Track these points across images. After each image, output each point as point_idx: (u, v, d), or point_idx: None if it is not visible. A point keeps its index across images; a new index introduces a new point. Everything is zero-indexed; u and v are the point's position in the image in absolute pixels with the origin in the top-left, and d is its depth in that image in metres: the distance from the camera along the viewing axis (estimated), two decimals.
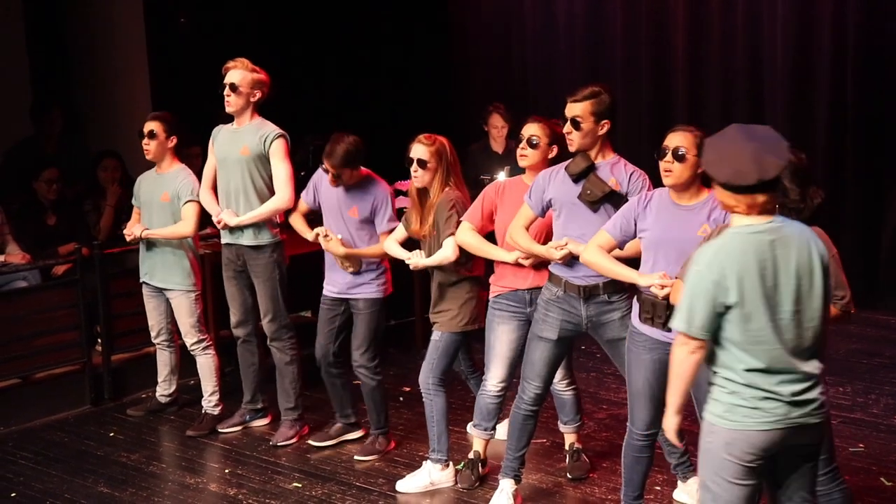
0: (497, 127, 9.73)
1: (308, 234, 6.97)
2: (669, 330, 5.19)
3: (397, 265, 6.93)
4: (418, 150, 6.38)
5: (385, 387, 7.16)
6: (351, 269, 6.81)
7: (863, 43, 9.92)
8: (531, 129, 6.09)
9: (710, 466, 4.23)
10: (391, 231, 6.79)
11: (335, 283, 6.95)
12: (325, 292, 7.02)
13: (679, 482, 6.16)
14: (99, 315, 8.25)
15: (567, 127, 5.67)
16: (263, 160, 7.09)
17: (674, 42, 10.99)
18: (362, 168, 6.89)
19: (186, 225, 7.43)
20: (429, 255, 6.44)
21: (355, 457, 7.06)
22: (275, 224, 7.20)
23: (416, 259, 6.45)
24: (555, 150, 6.08)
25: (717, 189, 4.18)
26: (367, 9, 11.82)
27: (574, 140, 5.67)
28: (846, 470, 5.61)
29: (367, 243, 6.86)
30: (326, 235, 6.79)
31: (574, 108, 5.65)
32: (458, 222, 6.23)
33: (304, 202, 7.08)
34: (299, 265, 7.53)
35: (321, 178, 6.98)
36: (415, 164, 6.38)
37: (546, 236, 5.94)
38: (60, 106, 10.05)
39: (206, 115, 7.54)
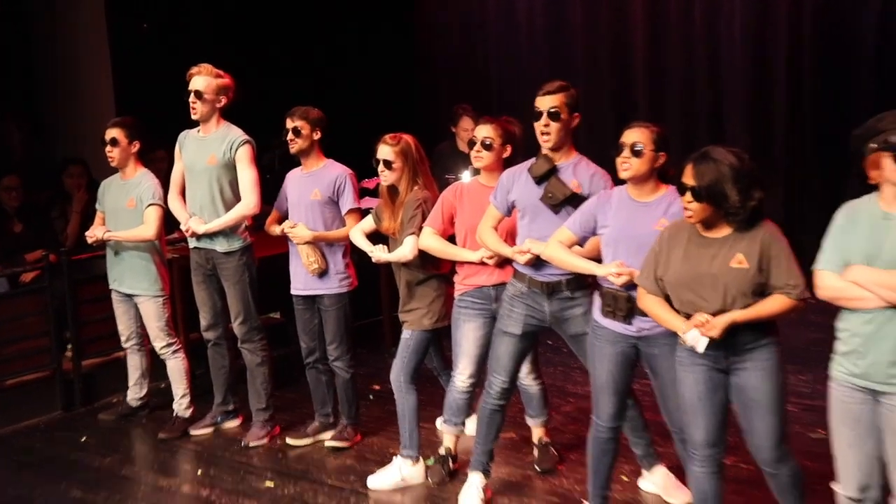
0: (466, 129, 9.74)
1: (278, 230, 7.01)
2: (630, 323, 5.29)
3: (364, 265, 7.03)
4: (384, 151, 6.44)
5: (357, 381, 7.24)
6: (316, 268, 6.87)
7: (818, 37, 10.03)
8: (484, 131, 6.11)
9: None
10: (356, 210, 6.90)
11: (298, 277, 7.02)
12: (293, 291, 7.08)
13: (644, 472, 6.21)
14: (68, 321, 8.25)
15: (544, 120, 5.64)
16: (230, 168, 7.11)
17: (633, 40, 11.06)
18: (322, 155, 7.01)
19: (148, 228, 7.43)
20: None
21: (326, 442, 7.14)
22: (244, 227, 7.22)
23: (378, 252, 6.51)
24: (508, 149, 6.12)
25: None
26: (332, 11, 11.83)
27: (552, 132, 5.65)
28: (807, 456, 5.68)
29: (331, 227, 6.94)
30: (294, 226, 6.87)
31: (550, 101, 5.64)
32: (422, 223, 6.28)
33: (276, 209, 7.15)
34: (268, 267, 7.55)
35: (288, 178, 7.09)
36: (381, 165, 6.44)
37: (511, 235, 5.99)
38: (14, 117, 10.03)
39: (171, 120, 7.54)
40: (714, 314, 4.70)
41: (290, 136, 6.87)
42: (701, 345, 4.70)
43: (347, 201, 6.93)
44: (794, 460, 4.93)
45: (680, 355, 4.95)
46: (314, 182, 6.94)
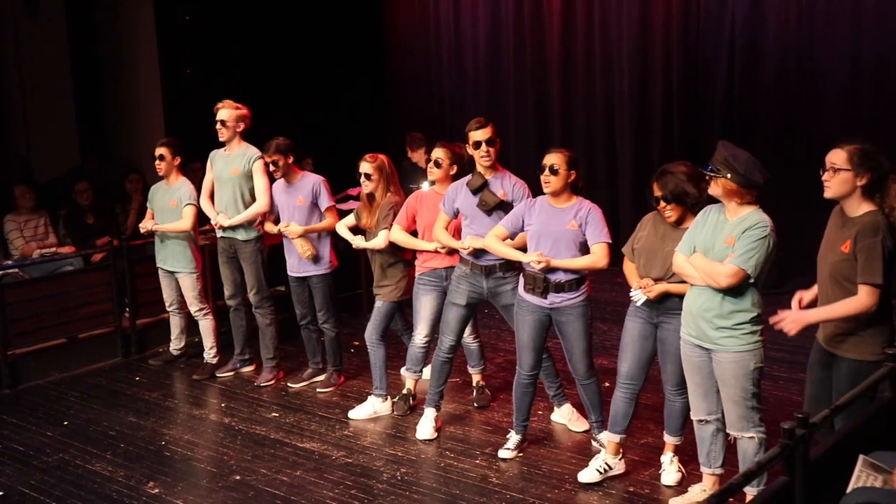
0: (415, 151, 9.63)
1: (275, 229, 6.86)
2: (545, 297, 5.21)
3: (348, 251, 6.90)
4: (364, 167, 6.34)
5: (341, 339, 7.12)
6: (310, 254, 6.70)
7: (684, 92, 10.01)
8: (437, 153, 6.05)
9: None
10: (332, 207, 6.76)
11: (291, 264, 6.87)
12: (288, 272, 6.91)
13: (555, 408, 6.14)
14: (127, 290, 8.09)
15: (484, 147, 5.58)
16: (248, 177, 6.97)
17: (550, 89, 11.04)
18: (297, 168, 6.85)
19: (185, 222, 7.27)
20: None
21: (317, 389, 6.99)
22: (258, 222, 7.06)
23: (357, 241, 6.43)
24: (455, 168, 6.04)
25: (736, 190, 4.22)
26: (331, 68, 11.85)
27: (491, 155, 5.60)
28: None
29: (314, 223, 6.76)
30: (287, 225, 6.72)
31: (485, 133, 5.58)
32: (392, 221, 6.18)
33: (271, 211, 6.97)
34: (276, 252, 7.41)
35: (275, 187, 6.89)
36: (363, 177, 6.35)
37: (458, 231, 5.90)
38: (92, 150, 10.33)
39: (204, 140, 7.41)
40: (656, 280, 4.73)
41: (271, 167, 6.70)
42: (640, 300, 4.77)
43: (324, 201, 6.76)
44: (687, 395, 4.86)
45: (630, 308, 4.96)
46: (297, 191, 6.76)
